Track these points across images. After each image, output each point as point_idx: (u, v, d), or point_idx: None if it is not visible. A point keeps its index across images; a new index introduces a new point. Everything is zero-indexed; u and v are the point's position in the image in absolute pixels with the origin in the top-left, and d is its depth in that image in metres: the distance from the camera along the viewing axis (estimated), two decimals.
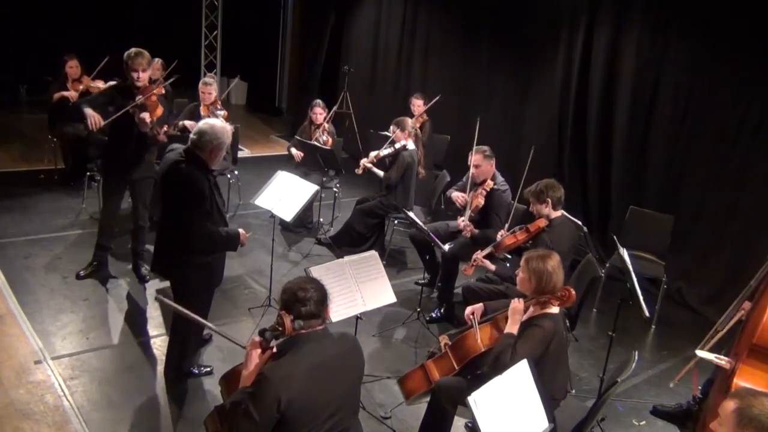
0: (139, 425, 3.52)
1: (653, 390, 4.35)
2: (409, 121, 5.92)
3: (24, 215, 6.00)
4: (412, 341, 4.67)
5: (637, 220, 5.45)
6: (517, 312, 3.14)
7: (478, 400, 2.46)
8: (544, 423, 2.69)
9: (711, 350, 3.34)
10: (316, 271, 3.45)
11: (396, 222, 6.08)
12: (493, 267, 4.37)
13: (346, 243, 5.90)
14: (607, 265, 5.40)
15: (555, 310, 3.16)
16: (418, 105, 6.97)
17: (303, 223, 6.27)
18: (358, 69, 8.96)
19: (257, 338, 2.55)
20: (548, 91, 6.73)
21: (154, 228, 4.44)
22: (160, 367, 3.97)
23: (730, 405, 2.19)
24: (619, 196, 6.11)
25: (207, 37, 11.00)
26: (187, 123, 5.84)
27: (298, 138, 6.44)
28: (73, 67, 6.67)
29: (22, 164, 7.43)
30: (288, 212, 4.59)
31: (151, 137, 4.66)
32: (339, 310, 3.46)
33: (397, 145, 5.76)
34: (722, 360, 3.21)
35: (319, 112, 6.42)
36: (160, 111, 4.68)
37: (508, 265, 4.91)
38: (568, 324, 4.07)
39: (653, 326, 5.20)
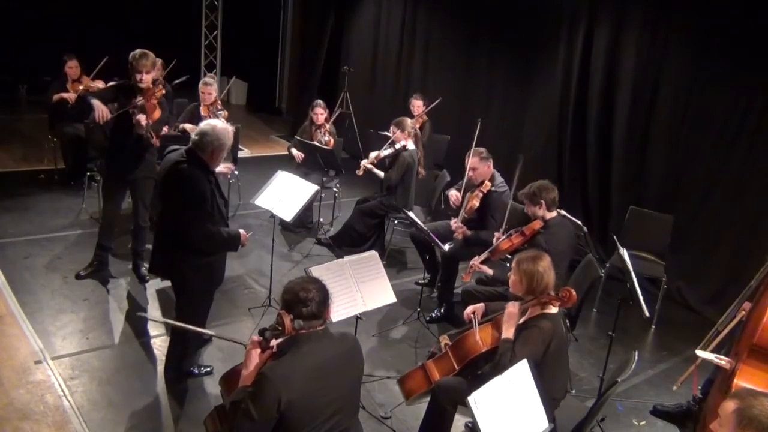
0: (139, 425, 3.52)
1: (653, 390, 4.35)
2: (409, 122, 5.92)
3: (24, 215, 6.00)
4: (412, 341, 4.67)
5: (637, 220, 5.45)
6: (512, 317, 3.15)
7: (478, 400, 2.46)
8: (544, 423, 2.69)
9: (711, 350, 3.34)
10: (317, 271, 3.45)
11: (396, 222, 6.08)
12: (491, 272, 4.35)
13: (346, 243, 5.90)
14: (607, 265, 5.40)
15: (554, 310, 3.16)
16: (417, 105, 6.97)
17: (303, 223, 6.27)
18: (358, 69, 8.96)
19: (257, 338, 2.55)
20: (548, 91, 6.73)
21: (154, 228, 4.44)
22: (160, 367, 3.97)
23: (730, 405, 2.19)
24: (619, 196, 6.11)
25: (207, 37, 11.00)
26: (187, 126, 5.84)
27: (298, 138, 6.44)
28: (72, 67, 6.67)
29: (22, 164, 7.43)
30: (288, 212, 4.59)
31: (147, 139, 4.66)
32: (339, 310, 3.46)
33: (397, 146, 5.76)
34: (722, 360, 3.22)
35: (320, 113, 6.42)
36: (158, 114, 4.68)
37: (508, 265, 4.91)
38: (568, 324, 4.07)
39: (653, 326, 5.20)
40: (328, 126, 6.47)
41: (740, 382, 2.98)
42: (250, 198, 4.99)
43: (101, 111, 4.37)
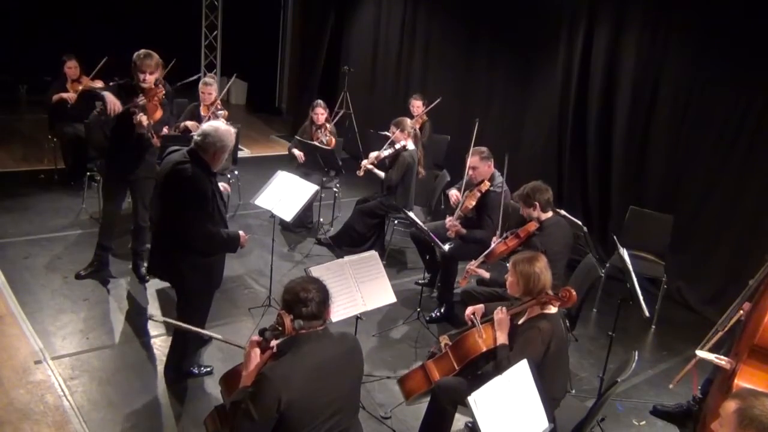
0: (139, 425, 3.52)
1: (653, 390, 4.35)
2: (409, 122, 5.92)
3: (24, 215, 6.00)
4: (412, 341, 4.67)
5: (637, 220, 5.45)
6: (502, 323, 3.18)
7: (478, 400, 2.46)
8: (544, 423, 2.69)
9: (710, 350, 3.34)
10: (316, 271, 3.45)
11: (396, 222, 6.09)
12: (487, 275, 4.33)
13: (346, 243, 5.90)
14: (607, 265, 5.40)
15: (553, 310, 3.16)
16: (417, 106, 6.97)
17: (303, 223, 6.27)
18: (358, 69, 8.96)
19: (257, 338, 2.55)
20: (548, 91, 6.73)
21: (153, 228, 4.44)
22: (160, 367, 3.97)
23: (731, 405, 2.19)
24: (619, 196, 6.11)
25: (207, 37, 11.00)
26: (189, 124, 5.84)
27: (299, 138, 6.44)
28: (72, 67, 6.67)
29: (22, 164, 7.43)
30: (288, 212, 4.59)
31: (147, 139, 4.66)
32: (339, 310, 3.46)
33: (397, 146, 5.76)
34: (722, 360, 3.21)
35: (320, 113, 6.42)
36: (159, 114, 4.68)
37: (508, 265, 4.90)
38: (567, 324, 4.07)
39: (653, 326, 5.20)
40: (328, 126, 6.47)
41: (741, 382, 2.98)
42: (250, 198, 4.99)
43: (113, 104, 4.38)
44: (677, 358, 4.74)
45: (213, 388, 3.80)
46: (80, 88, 6.59)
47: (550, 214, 4.29)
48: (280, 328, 2.45)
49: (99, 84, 6.45)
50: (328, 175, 6.37)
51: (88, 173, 6.36)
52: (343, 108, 8.14)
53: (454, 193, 5.18)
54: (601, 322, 5.19)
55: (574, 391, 4.16)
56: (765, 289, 3.30)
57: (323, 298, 2.47)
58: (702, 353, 3.26)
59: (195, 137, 3.54)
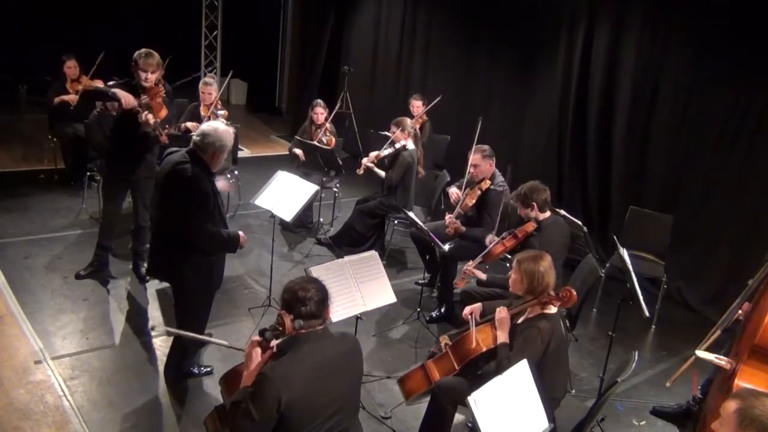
0: (139, 425, 3.52)
1: (653, 390, 4.35)
2: (409, 122, 5.92)
3: (24, 215, 6.00)
4: (412, 341, 4.67)
5: (637, 220, 5.45)
6: (503, 322, 3.18)
7: (478, 400, 2.46)
8: (544, 423, 2.69)
9: (710, 350, 3.33)
10: (316, 271, 3.45)
11: (396, 222, 6.08)
12: (484, 276, 4.31)
13: (346, 243, 5.90)
14: (607, 265, 5.40)
15: (553, 310, 3.16)
16: (417, 106, 6.97)
17: (303, 223, 6.27)
18: (358, 69, 8.96)
19: (257, 338, 2.55)
20: (548, 91, 6.73)
21: (152, 229, 4.43)
22: (160, 367, 3.97)
23: (731, 405, 2.19)
24: (619, 196, 6.11)
25: (207, 37, 10.99)
26: (190, 125, 5.84)
27: (298, 138, 6.44)
28: (71, 67, 6.67)
29: (22, 164, 7.43)
30: (288, 212, 4.58)
31: (153, 138, 4.66)
32: (339, 310, 3.46)
33: (397, 145, 5.76)
34: (722, 360, 3.21)
35: (320, 112, 6.42)
36: (164, 112, 4.68)
37: (508, 265, 4.90)
38: (567, 324, 4.07)
39: (653, 326, 5.20)
40: (328, 126, 6.47)
41: (741, 382, 2.98)
42: (250, 198, 4.99)
43: (126, 97, 4.38)
44: (677, 358, 4.74)
45: (213, 388, 3.80)
46: (80, 87, 6.58)
47: (548, 214, 4.29)
48: (280, 328, 2.45)
49: (99, 83, 6.44)
50: (328, 175, 6.37)
51: (88, 173, 6.36)
52: (342, 107, 8.12)
53: (454, 191, 5.18)
54: (601, 322, 5.19)
55: (574, 391, 4.16)
56: (765, 289, 3.30)
57: (322, 297, 2.47)
58: (701, 353, 3.25)
59: (194, 137, 3.55)
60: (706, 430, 2.87)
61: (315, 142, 6.21)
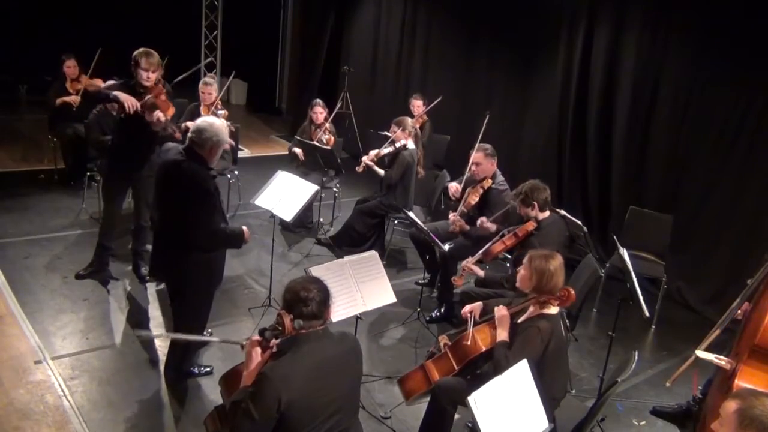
0: (139, 425, 3.52)
1: (653, 390, 4.34)
2: (410, 121, 5.92)
3: (24, 215, 5.99)
4: (412, 341, 4.66)
5: (637, 220, 5.45)
6: (503, 320, 3.18)
7: (478, 400, 2.46)
8: (544, 423, 2.69)
9: (710, 350, 3.33)
10: (316, 271, 3.44)
11: (396, 222, 6.08)
12: (481, 273, 4.32)
13: (346, 243, 5.90)
14: (607, 265, 5.40)
15: (553, 311, 3.16)
16: (417, 105, 6.97)
17: (303, 223, 6.27)
18: (358, 69, 8.96)
19: (257, 337, 2.55)
20: (548, 91, 6.73)
21: (153, 228, 4.43)
22: (160, 367, 3.97)
23: (731, 405, 2.19)
24: (619, 196, 6.11)
25: (207, 37, 10.99)
26: (190, 124, 5.82)
27: (298, 138, 6.44)
28: (71, 66, 6.66)
29: (22, 164, 7.43)
30: (288, 212, 4.58)
31: (164, 136, 4.65)
32: (339, 310, 3.45)
33: (398, 144, 5.76)
34: (722, 360, 3.21)
35: (320, 112, 6.42)
36: (172, 110, 4.69)
37: (508, 265, 4.91)
38: (567, 324, 4.07)
39: (653, 326, 5.20)
40: (327, 125, 6.47)
41: (741, 382, 2.98)
42: (250, 198, 4.99)
43: (129, 101, 4.38)
44: (677, 358, 4.74)
45: (213, 388, 3.80)
46: (80, 87, 6.59)
47: (547, 213, 4.29)
48: (280, 328, 2.45)
49: (98, 82, 6.43)
50: (328, 175, 6.37)
51: (88, 173, 6.36)
52: (342, 107, 8.12)
53: (453, 185, 5.17)
54: (601, 322, 5.19)
55: (574, 391, 4.16)
56: (765, 289, 3.29)
57: (324, 298, 2.47)
58: (701, 353, 3.25)
59: (190, 134, 3.54)
60: (706, 430, 2.87)
61: (314, 142, 6.21)
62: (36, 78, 8.84)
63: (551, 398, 2.97)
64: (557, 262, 3.18)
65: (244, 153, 8.61)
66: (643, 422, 4.03)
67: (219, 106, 6.16)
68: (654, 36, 5.77)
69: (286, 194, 4.66)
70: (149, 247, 4.76)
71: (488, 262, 4.44)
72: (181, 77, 5.16)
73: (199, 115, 6.04)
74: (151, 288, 4.92)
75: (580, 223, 4.81)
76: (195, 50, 10.92)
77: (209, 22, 10.95)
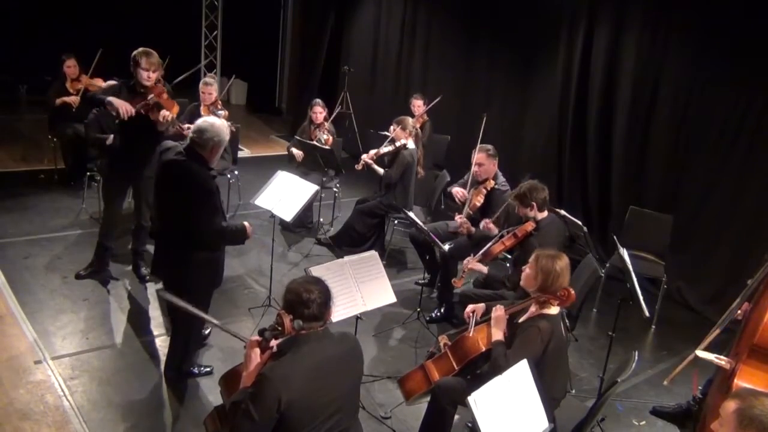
0: (139, 425, 3.52)
1: (653, 390, 4.34)
2: (410, 121, 5.92)
3: (24, 215, 5.99)
4: (412, 341, 4.66)
5: (637, 220, 5.45)
6: (500, 320, 3.19)
7: (478, 400, 2.46)
8: (544, 423, 2.69)
9: (709, 350, 3.33)
10: (316, 271, 3.44)
11: (396, 222, 6.08)
12: (485, 269, 4.33)
13: (346, 243, 5.90)
14: (607, 265, 5.40)
15: (554, 311, 3.16)
16: (417, 105, 6.98)
17: (303, 223, 6.27)
18: (358, 69, 8.96)
19: (256, 338, 2.55)
20: (548, 91, 6.74)
21: (154, 228, 4.43)
22: (160, 367, 3.97)
23: (731, 405, 2.18)
24: (619, 196, 6.11)
25: (207, 37, 10.99)
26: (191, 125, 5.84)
27: (298, 138, 6.44)
28: (71, 66, 6.66)
29: (22, 164, 7.43)
30: (288, 212, 4.58)
31: (170, 134, 4.64)
32: (339, 310, 3.45)
33: (398, 144, 5.76)
34: (722, 360, 3.21)
35: (319, 111, 6.42)
36: (177, 108, 4.69)
37: (508, 264, 4.91)
38: (567, 324, 4.07)
39: (653, 326, 5.20)
40: (327, 125, 6.47)
41: (740, 382, 2.98)
42: (250, 198, 4.99)
43: (123, 107, 4.37)
44: (677, 358, 4.72)
45: (213, 388, 3.80)
46: (80, 86, 6.59)
47: (546, 213, 4.29)
48: (279, 328, 2.44)
49: (99, 81, 6.44)
50: (328, 175, 6.37)
51: (88, 173, 6.36)
52: (342, 107, 8.12)
53: (459, 190, 5.18)
54: (601, 322, 5.19)
55: (574, 391, 4.16)
56: (765, 289, 3.29)
57: (325, 299, 2.47)
58: (701, 353, 3.25)
59: (191, 134, 3.55)
60: (705, 430, 2.87)
61: (314, 142, 6.21)
62: (36, 78, 8.83)
63: (551, 398, 2.97)
64: (563, 263, 3.18)
65: (244, 153, 8.61)
66: (643, 422, 4.03)
67: (219, 106, 6.16)
68: (654, 36, 5.77)
69: (286, 194, 4.66)
70: (149, 247, 4.77)
71: (488, 262, 4.44)
72: (181, 77, 5.15)
73: (199, 115, 6.03)
74: (151, 288, 4.92)
75: (580, 223, 4.82)
76: (195, 50, 10.92)
77: (209, 22, 10.95)
